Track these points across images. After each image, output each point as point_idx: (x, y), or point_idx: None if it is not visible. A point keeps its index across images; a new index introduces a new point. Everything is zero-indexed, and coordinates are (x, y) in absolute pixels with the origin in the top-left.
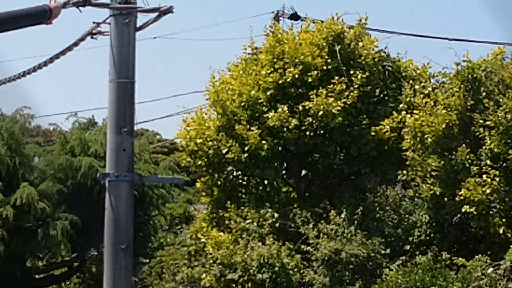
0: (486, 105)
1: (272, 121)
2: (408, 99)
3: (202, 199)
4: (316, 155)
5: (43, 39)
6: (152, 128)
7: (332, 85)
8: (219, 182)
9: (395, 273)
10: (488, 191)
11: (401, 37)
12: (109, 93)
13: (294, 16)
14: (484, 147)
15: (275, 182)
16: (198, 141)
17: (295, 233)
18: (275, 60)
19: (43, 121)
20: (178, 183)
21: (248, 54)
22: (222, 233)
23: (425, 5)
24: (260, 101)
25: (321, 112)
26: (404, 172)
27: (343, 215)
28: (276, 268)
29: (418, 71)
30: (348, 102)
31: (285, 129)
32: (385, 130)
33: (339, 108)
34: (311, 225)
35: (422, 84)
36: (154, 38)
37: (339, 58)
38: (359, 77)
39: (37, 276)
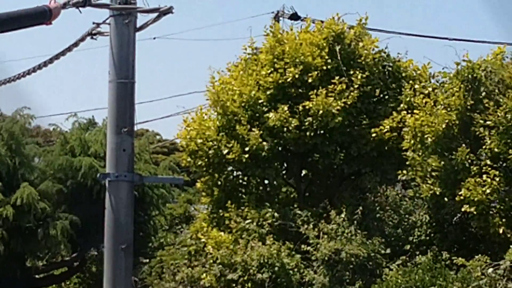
0: (486, 105)
1: (273, 121)
2: (408, 99)
3: (202, 199)
4: (316, 155)
5: (43, 40)
6: (152, 128)
7: (332, 85)
8: (219, 182)
9: (395, 273)
10: (488, 191)
11: (401, 37)
12: (109, 93)
13: (294, 16)
14: (484, 147)
15: (275, 182)
16: (199, 141)
17: (295, 233)
18: (275, 60)
19: (43, 122)
20: (178, 183)
21: (248, 54)
22: (222, 233)
23: (425, 4)
24: (260, 101)
25: (321, 112)
26: (404, 172)
27: (343, 215)
28: (276, 268)
29: (418, 71)
30: (348, 102)
31: (285, 129)
32: (385, 130)
33: (339, 108)
34: (311, 225)
35: (422, 84)
36: (154, 38)
37: (339, 58)
38: (359, 77)
39: (37, 276)
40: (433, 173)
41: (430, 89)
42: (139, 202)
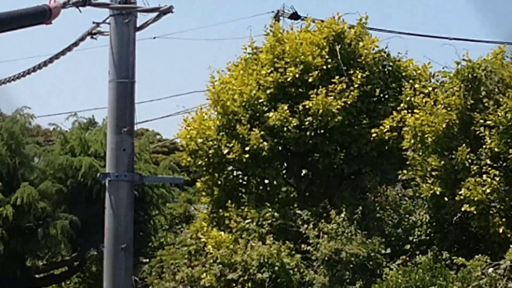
0: (486, 104)
1: (273, 121)
2: (408, 98)
3: (202, 199)
4: (316, 155)
5: (43, 39)
6: (152, 128)
7: (332, 85)
8: (219, 182)
9: (395, 273)
10: (488, 190)
11: (401, 37)
12: (109, 93)
13: (294, 16)
14: (484, 147)
15: (275, 182)
16: (199, 140)
17: (295, 233)
18: (275, 59)
19: (43, 121)
20: (178, 183)
21: (249, 53)
22: (222, 233)
23: (425, 4)
24: (260, 100)
25: (321, 111)
26: (404, 171)
27: (343, 215)
28: (276, 268)
29: (418, 71)
30: (348, 102)
31: (285, 128)
32: (386, 130)
33: (339, 107)
34: (311, 225)
35: (422, 84)
36: (154, 38)
37: (339, 57)
38: (359, 76)
39: (37, 276)
40: (433, 173)
41: (430, 88)
42: (139, 202)
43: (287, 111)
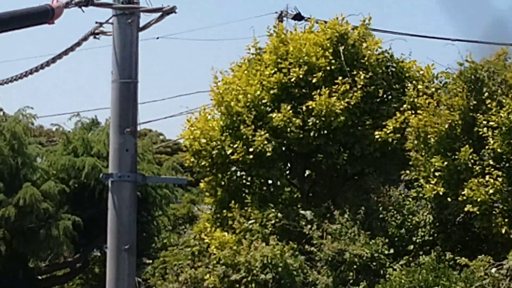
0: (489, 105)
1: (276, 121)
2: (411, 99)
3: (206, 200)
4: (319, 155)
5: (45, 39)
6: (155, 128)
7: (336, 86)
8: (222, 183)
9: (398, 273)
10: (491, 191)
11: (404, 37)
12: (112, 93)
13: (298, 17)
14: (487, 147)
15: (279, 182)
16: (202, 141)
17: (298, 233)
18: (279, 60)
19: (46, 121)
20: (181, 183)
21: (252, 54)
22: (225, 234)
23: (426, 5)
24: (264, 101)
25: (324, 112)
26: (408, 172)
27: (346, 215)
28: (280, 269)
29: (421, 72)
30: (352, 102)
31: (288, 129)
32: (389, 131)
33: (342, 107)
34: (315, 225)
35: (425, 85)
36: (157, 38)
37: (342, 58)
38: (362, 77)
39: (39, 277)
40: (436, 173)
41: (433, 89)
42: (142, 203)
43: (290, 111)
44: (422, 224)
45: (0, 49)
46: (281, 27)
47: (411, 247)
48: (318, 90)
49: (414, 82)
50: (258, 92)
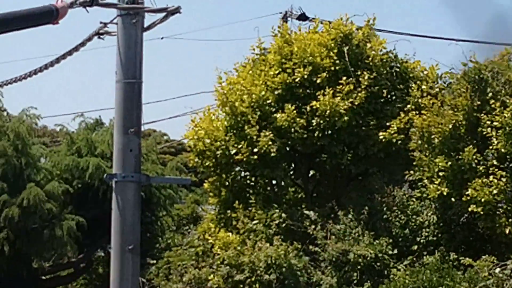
0: (493, 105)
1: (280, 122)
2: (415, 100)
3: (210, 200)
4: (324, 156)
5: (50, 39)
6: (159, 128)
7: (340, 86)
8: (226, 183)
9: (402, 274)
10: (495, 191)
11: (407, 38)
12: (116, 94)
13: (302, 17)
14: (490, 148)
15: (283, 183)
16: (207, 141)
17: (302, 234)
18: (283, 60)
19: (50, 122)
20: (185, 183)
21: (256, 54)
22: (229, 234)
23: (426, 5)
24: (268, 101)
25: (328, 112)
26: (412, 172)
27: (350, 216)
28: (284, 269)
29: (425, 72)
30: (356, 103)
31: (292, 129)
32: (393, 132)
33: (346, 107)
34: (319, 226)
35: (429, 85)
36: (162, 38)
37: (347, 59)
38: (366, 77)
39: (43, 277)
40: (440, 174)
41: (437, 89)
42: (146, 203)
43: (294, 111)
44: (426, 224)
45: (4, 49)
46: (285, 28)
47: (415, 247)
48: (322, 91)
49: (418, 82)
50: (263, 93)
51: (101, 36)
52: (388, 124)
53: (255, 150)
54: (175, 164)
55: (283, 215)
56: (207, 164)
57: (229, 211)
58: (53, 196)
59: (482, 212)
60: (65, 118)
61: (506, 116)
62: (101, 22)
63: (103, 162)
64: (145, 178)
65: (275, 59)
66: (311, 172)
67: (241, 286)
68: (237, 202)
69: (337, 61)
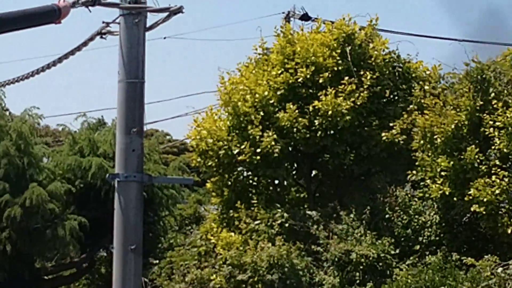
0: (495, 105)
1: (283, 121)
2: (418, 100)
3: (212, 200)
4: (326, 156)
5: (52, 39)
6: (162, 128)
7: (342, 86)
8: (229, 183)
9: (405, 273)
10: (497, 191)
11: (408, 38)
12: (119, 93)
13: (305, 17)
14: (493, 148)
15: (285, 183)
16: (209, 141)
17: (305, 234)
18: (286, 60)
19: (52, 122)
20: (188, 183)
21: (259, 54)
22: (232, 234)
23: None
24: (271, 101)
25: (330, 112)
26: (414, 172)
27: (352, 215)
28: (286, 269)
29: (428, 72)
30: (358, 103)
31: (295, 129)
32: (396, 132)
33: (348, 107)
34: (321, 226)
35: (432, 85)
36: (164, 38)
37: (349, 59)
38: (368, 77)
39: (45, 277)
40: (443, 173)
41: (439, 89)
42: (149, 203)
43: (296, 111)
44: (429, 224)
45: (6, 49)
46: (288, 28)
47: (418, 247)
48: (325, 90)
49: (420, 82)
50: (266, 93)
51: (104, 36)
52: (391, 124)
53: (258, 150)
54: (178, 164)
55: (286, 215)
56: (209, 164)
57: (231, 211)
58: (55, 196)
59: (484, 212)
60: (67, 118)
61: (509, 116)
62: (103, 22)
63: (106, 162)
64: (148, 178)
65: (277, 59)
66: (314, 172)
67: (243, 286)
68: (239, 202)
69: (340, 61)
